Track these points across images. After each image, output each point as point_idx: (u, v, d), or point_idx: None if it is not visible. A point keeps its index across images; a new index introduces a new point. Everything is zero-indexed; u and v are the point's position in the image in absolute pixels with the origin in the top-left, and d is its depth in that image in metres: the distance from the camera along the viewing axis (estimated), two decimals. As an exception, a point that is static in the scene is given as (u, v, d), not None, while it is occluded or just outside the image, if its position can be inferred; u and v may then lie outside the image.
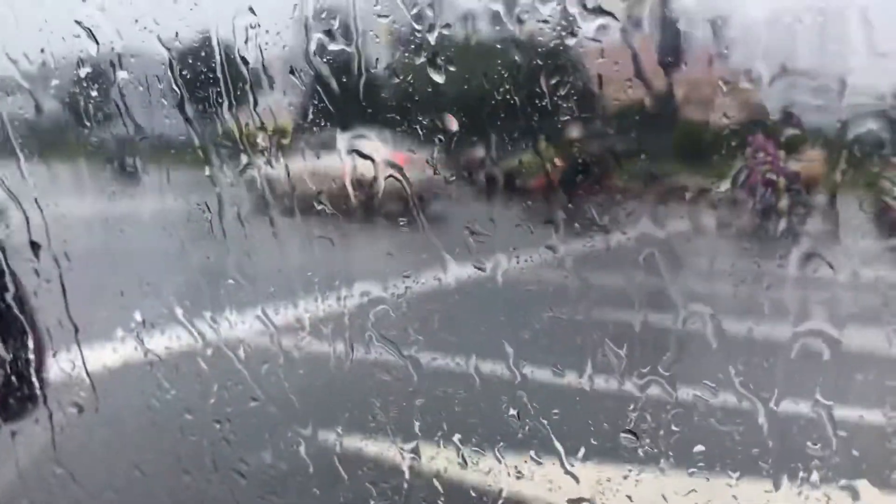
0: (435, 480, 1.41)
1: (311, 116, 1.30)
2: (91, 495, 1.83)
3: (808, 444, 1.14)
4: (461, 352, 1.38)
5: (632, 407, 1.26)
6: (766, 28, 1.15)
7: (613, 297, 1.32)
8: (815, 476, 1.15)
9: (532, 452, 1.31)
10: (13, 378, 1.86)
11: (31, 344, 1.81)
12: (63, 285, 1.70)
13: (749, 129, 1.14)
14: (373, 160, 1.30)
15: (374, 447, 1.48)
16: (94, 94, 1.51)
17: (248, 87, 1.32)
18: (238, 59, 1.30)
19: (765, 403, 1.16)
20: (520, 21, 1.12)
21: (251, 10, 1.27)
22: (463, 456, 1.36)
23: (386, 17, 1.22)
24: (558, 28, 1.12)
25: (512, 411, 1.32)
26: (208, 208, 1.45)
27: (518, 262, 1.34)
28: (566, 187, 1.27)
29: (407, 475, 1.42)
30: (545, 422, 1.32)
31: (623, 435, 1.26)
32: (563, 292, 1.32)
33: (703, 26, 1.13)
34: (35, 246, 1.70)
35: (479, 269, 1.30)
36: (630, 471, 1.26)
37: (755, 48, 1.15)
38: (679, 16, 1.12)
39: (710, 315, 1.18)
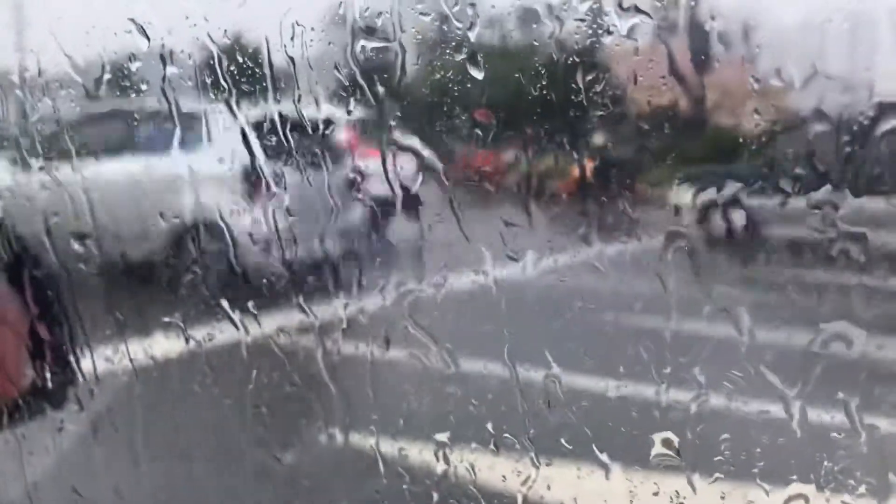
0: (466, 467, 1.44)
1: (352, 111, 1.34)
2: (129, 480, 1.88)
3: (835, 444, 1.15)
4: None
5: (660, 401, 1.27)
6: (798, 30, 1.18)
7: (643, 297, 1.34)
8: (841, 476, 1.15)
9: (562, 440, 1.33)
10: (57, 364, 1.91)
11: (74, 332, 1.85)
12: (109, 275, 1.74)
13: (780, 131, 1.16)
14: (417, 153, 1.34)
15: (408, 435, 1.51)
16: (143, 88, 1.56)
17: (292, 82, 1.36)
18: (284, 56, 1.34)
19: (791, 402, 1.16)
20: (558, 19, 1.16)
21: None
22: (495, 443, 1.38)
23: (427, 15, 1.26)
24: (594, 26, 1.15)
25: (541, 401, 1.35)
26: (251, 199, 1.50)
27: (551, 258, 1.37)
28: (600, 185, 1.30)
29: (440, 461, 1.45)
30: (574, 411, 1.34)
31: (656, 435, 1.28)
32: (593, 291, 1.35)
33: (735, 27, 1.15)
34: (83, 237, 1.75)
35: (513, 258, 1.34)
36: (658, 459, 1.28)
37: (786, 50, 1.17)
38: (711, 16, 1.14)
39: (739, 317, 1.19)
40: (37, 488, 1.96)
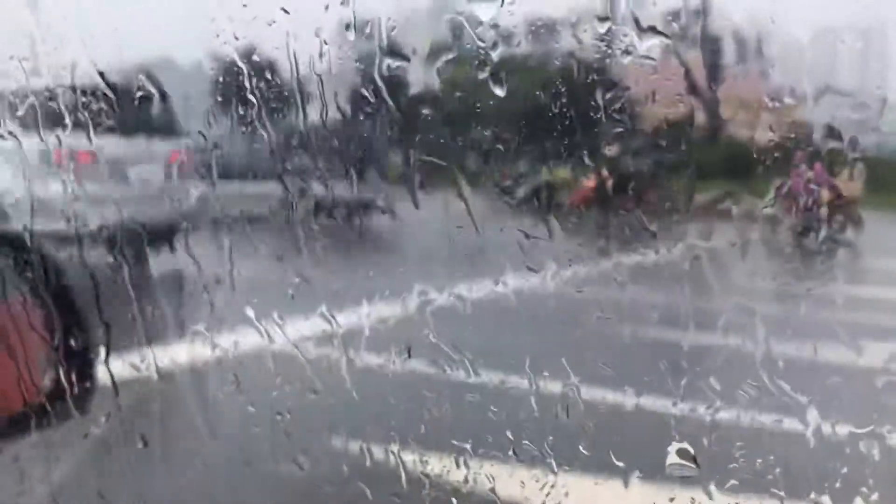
0: (485, 476, 1.46)
1: (378, 126, 1.37)
2: (155, 485, 1.91)
3: (855, 464, 1.16)
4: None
5: (676, 415, 1.29)
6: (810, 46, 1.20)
7: (658, 309, 1.36)
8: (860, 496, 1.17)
9: (580, 446, 1.35)
10: (84, 371, 1.93)
11: (101, 338, 1.88)
12: (135, 281, 1.76)
13: (791, 145, 1.19)
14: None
15: (428, 445, 1.53)
16: (173, 103, 1.59)
17: (319, 99, 1.40)
18: (312, 73, 1.38)
19: (804, 417, 1.18)
20: (578, 41, 1.19)
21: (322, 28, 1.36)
22: (514, 450, 1.41)
23: (453, 36, 1.29)
24: (613, 46, 1.18)
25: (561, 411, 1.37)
26: (281, 210, 1.52)
27: (568, 269, 1.39)
28: (617, 198, 1.34)
29: (461, 470, 1.47)
30: (591, 423, 1.36)
31: (675, 448, 1.29)
32: (610, 302, 1.37)
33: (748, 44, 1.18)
34: (112, 243, 1.77)
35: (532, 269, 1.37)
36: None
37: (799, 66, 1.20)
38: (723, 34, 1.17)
39: (754, 327, 1.21)
40: (62, 492, 1.99)
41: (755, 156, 1.23)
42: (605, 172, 1.35)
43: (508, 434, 1.40)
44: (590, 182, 1.36)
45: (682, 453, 1.27)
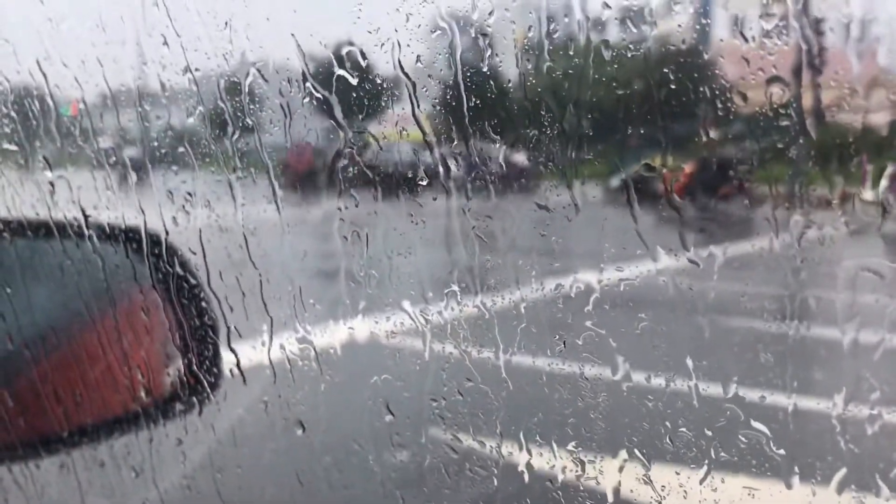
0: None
1: (467, 121, 1.41)
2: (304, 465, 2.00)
3: None
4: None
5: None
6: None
7: (751, 302, 1.34)
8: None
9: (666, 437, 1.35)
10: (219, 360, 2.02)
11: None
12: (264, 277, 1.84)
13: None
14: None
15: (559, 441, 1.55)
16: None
17: (411, 96, 1.45)
18: (401, 71, 1.43)
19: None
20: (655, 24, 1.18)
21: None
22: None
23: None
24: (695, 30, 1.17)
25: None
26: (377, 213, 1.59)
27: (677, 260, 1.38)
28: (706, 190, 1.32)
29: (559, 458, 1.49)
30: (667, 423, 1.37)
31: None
32: (700, 297, 1.35)
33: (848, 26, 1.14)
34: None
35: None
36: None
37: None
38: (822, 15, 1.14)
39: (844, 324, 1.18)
40: (194, 476, 2.11)
41: (863, 141, 1.19)
42: (705, 160, 1.34)
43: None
44: (689, 170, 1.34)
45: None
